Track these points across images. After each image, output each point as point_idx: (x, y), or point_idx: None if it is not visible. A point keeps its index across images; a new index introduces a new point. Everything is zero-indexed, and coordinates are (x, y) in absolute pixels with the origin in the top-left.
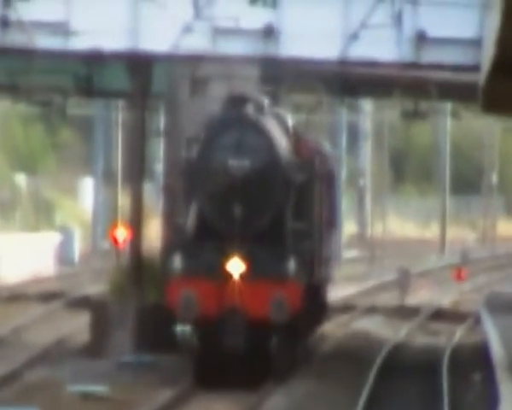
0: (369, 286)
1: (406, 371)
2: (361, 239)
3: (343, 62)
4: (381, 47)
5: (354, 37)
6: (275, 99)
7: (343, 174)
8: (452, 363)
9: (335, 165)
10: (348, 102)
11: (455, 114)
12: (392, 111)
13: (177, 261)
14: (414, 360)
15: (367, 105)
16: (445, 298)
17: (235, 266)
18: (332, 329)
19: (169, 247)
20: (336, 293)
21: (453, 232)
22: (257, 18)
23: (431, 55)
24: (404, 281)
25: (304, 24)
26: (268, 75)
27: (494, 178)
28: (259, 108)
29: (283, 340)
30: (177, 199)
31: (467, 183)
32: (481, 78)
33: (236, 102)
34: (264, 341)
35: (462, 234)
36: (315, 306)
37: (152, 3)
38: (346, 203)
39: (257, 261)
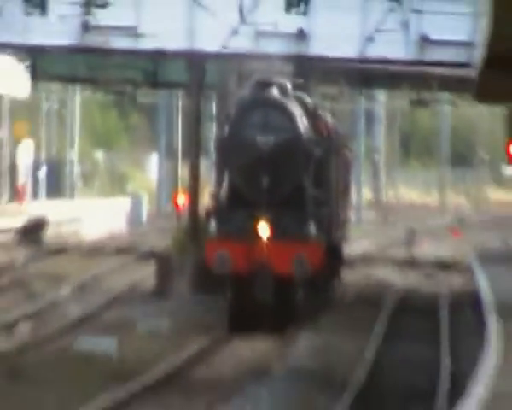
0: (382, 241)
1: (412, 308)
2: (376, 203)
3: (361, 60)
4: (392, 48)
5: (370, 39)
6: (305, 90)
7: (362, 151)
8: (451, 303)
9: (349, 142)
10: (365, 93)
11: (452, 103)
12: (401, 100)
13: (213, 226)
14: (418, 299)
15: (381, 95)
16: (443, 252)
17: (263, 229)
18: (352, 276)
19: (207, 213)
20: (357, 247)
21: (451, 199)
22: (291, 23)
23: (432, 55)
24: (410, 238)
25: (329, 29)
26: (300, 71)
27: (484, 155)
28: (283, 91)
29: (306, 293)
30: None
31: (462, 158)
32: (474, 73)
33: (263, 85)
34: (289, 294)
35: (458, 200)
36: (333, 262)
37: (205, 11)
38: (363, 174)
39: (281, 224)
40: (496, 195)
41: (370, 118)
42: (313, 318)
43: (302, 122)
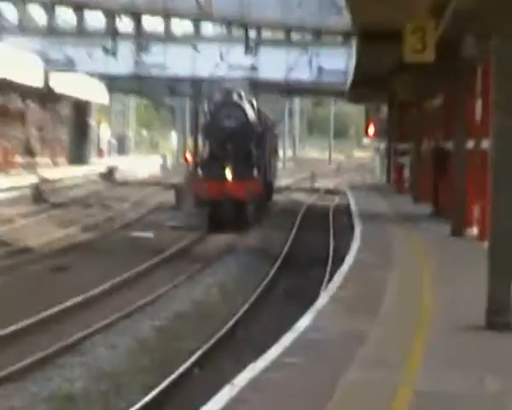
0: (297, 178)
1: (314, 214)
2: (294, 158)
3: (285, 81)
4: (303, 73)
5: (290, 69)
6: (255, 97)
7: (286, 130)
8: (334, 213)
9: (276, 126)
10: (288, 98)
11: (335, 102)
12: (307, 102)
13: (199, 171)
14: (317, 209)
15: (296, 99)
16: (330, 184)
17: (228, 174)
18: (280, 198)
19: (196, 164)
20: (283, 182)
21: (334, 156)
22: (247, 61)
23: (325, 78)
24: (312, 177)
25: (267, 63)
26: (252, 87)
27: (353, 131)
28: (239, 96)
29: (253, 209)
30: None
31: (340, 133)
32: (346, 87)
33: (227, 92)
34: (243, 210)
35: (338, 157)
36: (268, 190)
37: (202, 55)
38: (287, 143)
39: (239, 171)
40: (358, 154)
41: (291, 112)
42: (258, 222)
43: (250, 113)
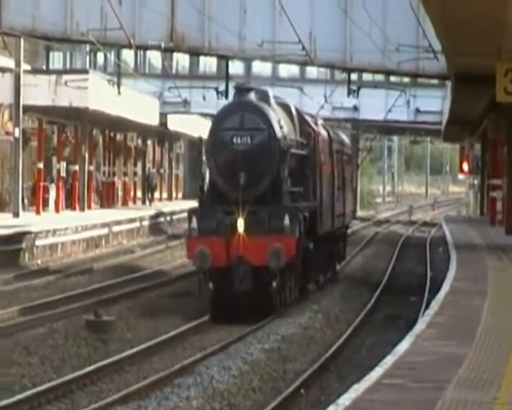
0: (397, 212)
1: (411, 247)
2: (393, 193)
3: (385, 121)
4: (401, 115)
5: (390, 111)
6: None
7: (385, 167)
8: (431, 244)
9: (352, 149)
10: (387, 137)
11: (431, 141)
12: (405, 140)
13: (194, 224)
14: (415, 240)
15: (395, 138)
16: (427, 217)
17: (240, 225)
18: (379, 230)
19: (189, 211)
20: (384, 214)
21: (431, 191)
22: (350, 102)
23: (421, 118)
24: (410, 210)
25: (368, 106)
26: (354, 126)
27: (448, 168)
28: (263, 97)
29: (281, 283)
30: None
31: (436, 170)
32: (442, 127)
33: (241, 91)
34: (266, 284)
35: (434, 191)
36: (323, 252)
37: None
38: (387, 179)
39: (258, 219)
40: (453, 189)
41: (390, 149)
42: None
43: (279, 123)
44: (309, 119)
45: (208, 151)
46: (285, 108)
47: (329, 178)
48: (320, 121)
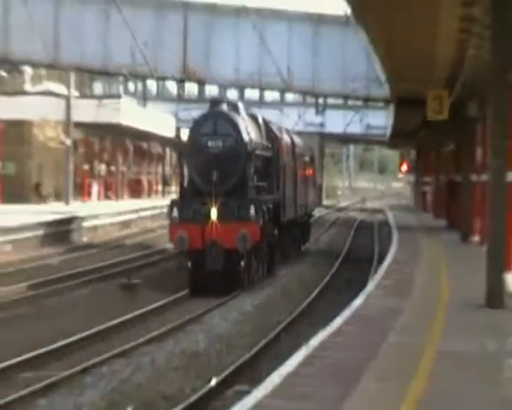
0: (353, 202)
1: (363, 228)
2: (350, 187)
3: (344, 133)
4: (356, 129)
5: (347, 125)
6: (322, 144)
7: (344, 169)
8: (378, 226)
9: (312, 153)
10: (345, 146)
11: (380, 149)
12: (359, 148)
13: (175, 213)
14: (365, 225)
15: (351, 146)
16: (375, 205)
17: (213, 214)
18: (339, 215)
19: (171, 203)
20: (343, 204)
21: (378, 186)
22: (318, 119)
23: (372, 131)
24: (363, 200)
25: (332, 123)
26: (321, 138)
27: (391, 168)
28: (234, 108)
29: (248, 263)
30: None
31: (383, 170)
32: (387, 138)
33: (215, 103)
34: (235, 264)
35: (381, 187)
36: (287, 236)
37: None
38: (346, 176)
39: (228, 209)
40: (394, 184)
41: (347, 155)
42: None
43: (246, 130)
44: (274, 127)
45: (187, 153)
46: (253, 118)
47: (292, 175)
48: (284, 130)
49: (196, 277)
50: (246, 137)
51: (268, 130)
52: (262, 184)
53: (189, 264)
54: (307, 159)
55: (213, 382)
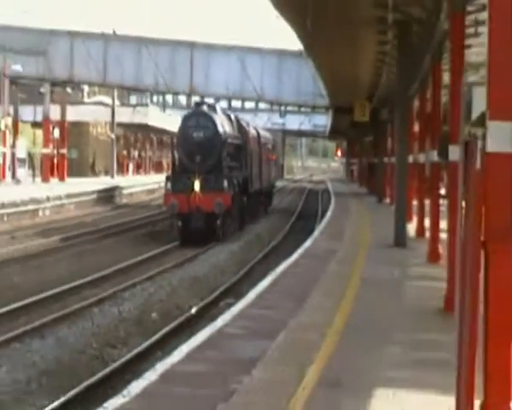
0: (304, 176)
1: (311, 194)
2: (302, 167)
3: (299, 129)
4: (307, 127)
5: (302, 123)
6: (284, 138)
7: (298, 154)
8: (321, 192)
9: (275, 143)
10: (298, 138)
11: (322, 140)
12: (307, 139)
13: (169, 185)
14: (312, 191)
15: (303, 138)
16: (319, 178)
17: (197, 186)
18: (295, 185)
19: (166, 177)
20: (297, 177)
21: (321, 165)
22: (280, 120)
23: (316, 129)
24: (311, 175)
25: (292, 123)
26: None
27: (330, 154)
28: (212, 108)
29: (222, 222)
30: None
31: (325, 155)
32: (327, 133)
33: (198, 105)
34: (213, 223)
35: (323, 166)
36: (254, 202)
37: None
38: (299, 159)
39: (208, 182)
40: (333, 164)
41: (301, 144)
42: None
43: (222, 124)
44: (244, 123)
45: (178, 141)
46: (227, 115)
47: (257, 158)
48: (252, 126)
49: (184, 233)
50: (221, 130)
51: (239, 125)
52: (234, 165)
53: (179, 223)
54: (270, 146)
55: (193, 310)
